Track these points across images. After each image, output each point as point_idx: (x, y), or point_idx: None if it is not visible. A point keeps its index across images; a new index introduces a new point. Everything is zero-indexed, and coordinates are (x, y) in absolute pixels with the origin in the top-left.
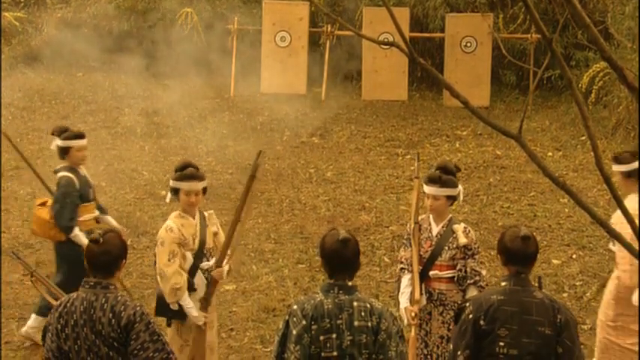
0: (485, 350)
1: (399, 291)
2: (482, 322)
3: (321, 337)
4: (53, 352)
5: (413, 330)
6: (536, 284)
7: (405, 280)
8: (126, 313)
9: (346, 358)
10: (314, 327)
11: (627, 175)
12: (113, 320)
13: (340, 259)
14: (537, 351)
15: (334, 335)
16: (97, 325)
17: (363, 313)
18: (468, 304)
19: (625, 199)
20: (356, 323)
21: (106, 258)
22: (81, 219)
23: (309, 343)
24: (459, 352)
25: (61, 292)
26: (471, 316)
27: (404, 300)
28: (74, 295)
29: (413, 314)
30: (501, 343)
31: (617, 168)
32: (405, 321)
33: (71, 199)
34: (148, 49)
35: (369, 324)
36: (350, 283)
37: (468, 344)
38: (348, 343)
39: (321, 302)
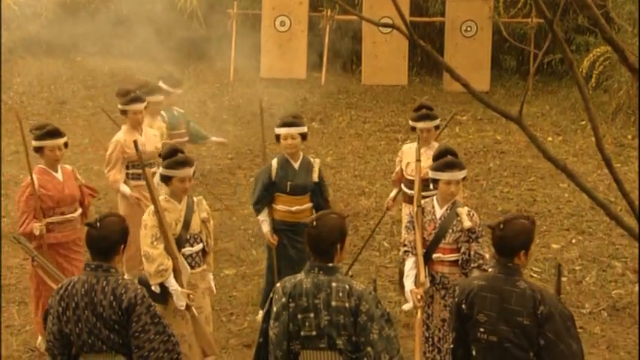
0: (470, 334)
1: (402, 274)
2: (463, 306)
3: (299, 316)
4: (54, 335)
5: (419, 313)
6: (556, 272)
7: (410, 263)
8: (127, 295)
9: (325, 338)
10: (291, 305)
11: (437, 127)
12: (114, 303)
13: (311, 242)
14: (516, 339)
15: (312, 314)
16: (98, 308)
17: (341, 294)
18: (456, 287)
19: (427, 147)
20: (333, 303)
21: (104, 243)
22: (275, 207)
23: (287, 321)
24: (452, 334)
25: (61, 275)
26: (456, 299)
27: (409, 283)
28: (75, 278)
29: (419, 297)
30: (481, 329)
31: (431, 124)
32: (411, 303)
33: (261, 182)
34: (146, 32)
35: (347, 305)
36: (331, 265)
37: (455, 327)
38: (326, 322)
39: (300, 281)
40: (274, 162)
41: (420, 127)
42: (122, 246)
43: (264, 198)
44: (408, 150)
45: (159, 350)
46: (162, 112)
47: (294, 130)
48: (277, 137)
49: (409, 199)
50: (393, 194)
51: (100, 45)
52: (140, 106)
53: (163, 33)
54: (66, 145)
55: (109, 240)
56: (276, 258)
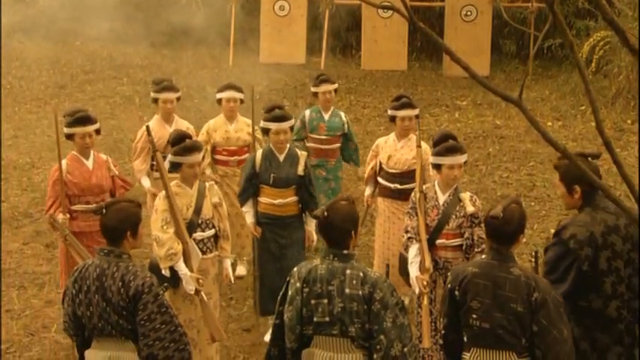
0: (462, 321)
1: (403, 260)
2: (456, 293)
3: (313, 301)
4: (69, 316)
5: (425, 299)
6: (532, 258)
7: (414, 249)
8: (135, 283)
9: (337, 325)
10: (305, 290)
11: (417, 117)
12: (122, 289)
13: (324, 232)
14: (509, 326)
15: (325, 300)
16: (108, 293)
17: (354, 281)
18: (449, 273)
19: (406, 138)
20: (347, 291)
21: (109, 229)
22: (259, 199)
23: (301, 306)
24: (443, 320)
25: (90, 256)
26: (449, 285)
27: (414, 269)
28: (90, 261)
29: (424, 283)
30: (474, 316)
31: (413, 112)
32: (417, 290)
33: (245, 174)
34: (146, 17)
35: (361, 292)
36: (346, 252)
37: (447, 313)
38: (339, 309)
39: (315, 267)
40: (259, 153)
41: (402, 115)
42: (128, 232)
43: (248, 189)
44: (384, 143)
45: (164, 340)
46: (306, 112)
47: (285, 125)
48: (266, 131)
49: (390, 193)
50: (369, 192)
51: (99, 29)
52: (170, 95)
53: (162, 17)
54: (98, 131)
55: (113, 227)
56: (257, 250)
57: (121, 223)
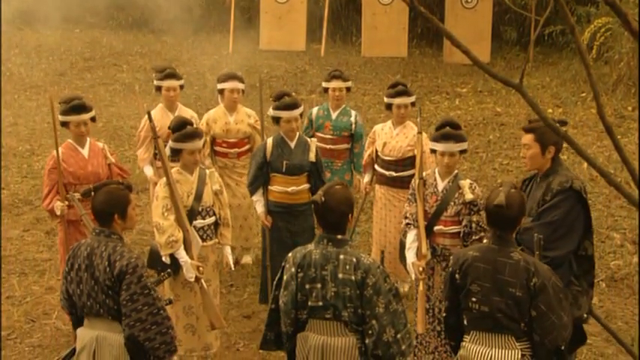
0: (463, 304)
1: (402, 246)
2: (457, 276)
3: (307, 286)
4: (63, 294)
5: (421, 285)
6: (537, 245)
7: (412, 235)
8: (120, 263)
9: (330, 309)
10: (300, 274)
11: (412, 104)
12: (108, 269)
13: (321, 216)
14: (508, 310)
15: (319, 285)
16: (96, 272)
17: (347, 267)
18: (451, 257)
19: (401, 125)
20: (340, 275)
21: (97, 211)
22: (270, 188)
23: (295, 290)
24: (444, 302)
25: None
26: (450, 269)
27: (411, 255)
28: (83, 240)
29: (421, 269)
30: (474, 299)
31: (408, 100)
32: (413, 276)
33: (255, 162)
34: (145, 4)
35: (353, 277)
36: (340, 237)
37: (447, 295)
38: (332, 294)
39: (309, 252)
40: (269, 141)
41: (398, 103)
42: (116, 215)
43: (259, 178)
44: (381, 130)
45: (146, 322)
46: (314, 109)
47: (296, 112)
48: (276, 119)
49: (386, 181)
50: (367, 179)
51: (99, 17)
52: (173, 82)
53: (162, 4)
54: (93, 119)
55: (101, 209)
56: (268, 240)
57: (108, 206)
